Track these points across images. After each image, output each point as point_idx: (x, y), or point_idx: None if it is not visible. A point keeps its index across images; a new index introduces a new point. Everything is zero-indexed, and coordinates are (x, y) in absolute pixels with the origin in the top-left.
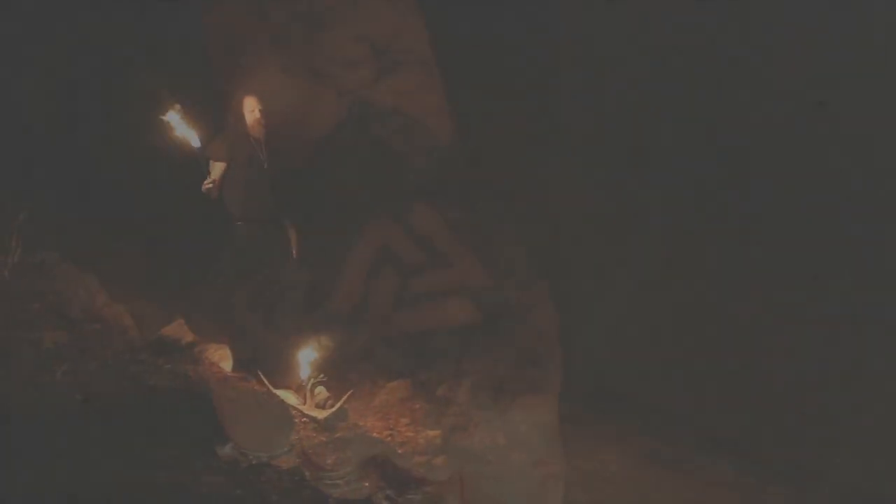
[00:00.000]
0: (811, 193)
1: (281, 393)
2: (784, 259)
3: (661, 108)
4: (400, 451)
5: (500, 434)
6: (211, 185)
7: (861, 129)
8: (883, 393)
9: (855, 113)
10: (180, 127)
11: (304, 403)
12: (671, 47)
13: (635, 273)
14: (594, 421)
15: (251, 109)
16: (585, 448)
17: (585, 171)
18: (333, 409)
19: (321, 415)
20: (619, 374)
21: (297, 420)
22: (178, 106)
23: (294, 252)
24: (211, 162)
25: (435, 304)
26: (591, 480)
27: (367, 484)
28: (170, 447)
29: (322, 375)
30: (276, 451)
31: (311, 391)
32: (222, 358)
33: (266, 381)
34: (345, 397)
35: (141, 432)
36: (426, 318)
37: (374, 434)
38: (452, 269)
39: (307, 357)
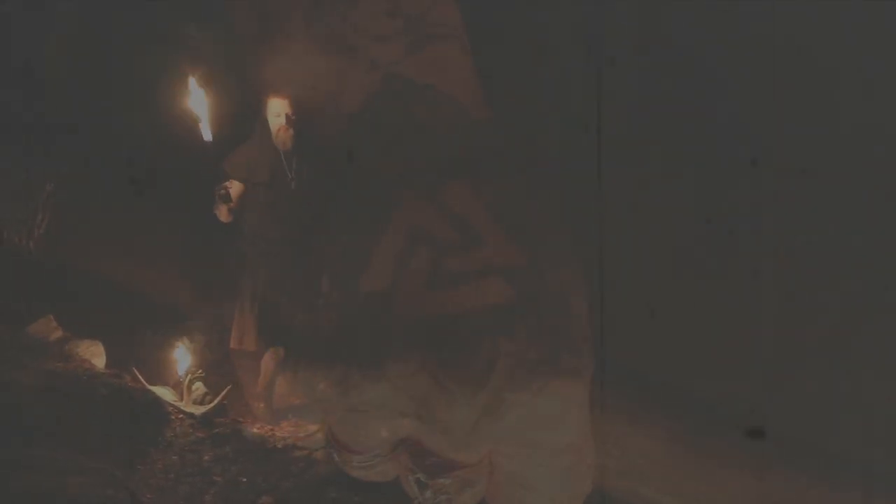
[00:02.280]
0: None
1: (157, 389)
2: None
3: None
4: (280, 447)
5: (532, 417)
6: (224, 192)
7: None
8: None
9: None
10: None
11: (182, 400)
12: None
13: (667, 258)
14: (623, 405)
15: (276, 114)
16: (614, 432)
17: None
18: (212, 404)
19: (199, 411)
20: (649, 358)
21: (173, 417)
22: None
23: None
24: (228, 180)
25: (469, 284)
26: (621, 464)
27: (395, 466)
28: (34, 449)
29: (200, 371)
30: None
31: (189, 387)
32: (94, 354)
33: (141, 378)
34: (223, 392)
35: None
36: (460, 297)
37: (255, 430)
38: (486, 248)
39: (184, 351)
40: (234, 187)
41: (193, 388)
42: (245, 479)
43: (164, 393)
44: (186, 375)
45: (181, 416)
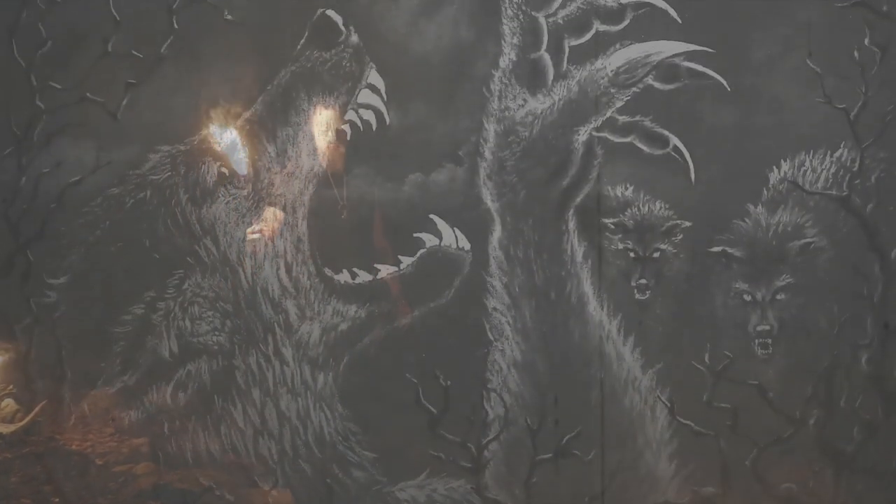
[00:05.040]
0: None
1: None
2: None
3: None
4: (99, 463)
5: None
6: (258, 235)
7: None
8: None
9: None
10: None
11: None
12: None
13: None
14: None
15: (325, 128)
16: None
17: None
18: (23, 422)
19: (8, 430)
20: None
21: None
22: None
23: None
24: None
25: None
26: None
27: None
28: None
29: (11, 387)
30: None
31: None
32: None
33: None
34: (36, 409)
35: None
36: None
37: (74, 446)
38: None
39: None
40: (269, 215)
41: (3, 405)
42: (58, 500)
43: None
44: None
45: None
